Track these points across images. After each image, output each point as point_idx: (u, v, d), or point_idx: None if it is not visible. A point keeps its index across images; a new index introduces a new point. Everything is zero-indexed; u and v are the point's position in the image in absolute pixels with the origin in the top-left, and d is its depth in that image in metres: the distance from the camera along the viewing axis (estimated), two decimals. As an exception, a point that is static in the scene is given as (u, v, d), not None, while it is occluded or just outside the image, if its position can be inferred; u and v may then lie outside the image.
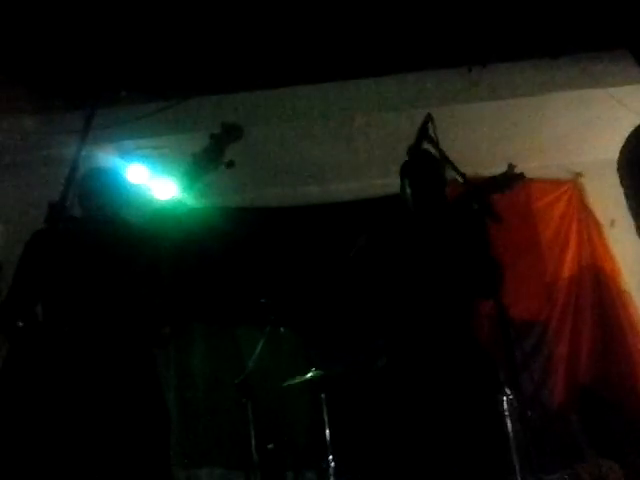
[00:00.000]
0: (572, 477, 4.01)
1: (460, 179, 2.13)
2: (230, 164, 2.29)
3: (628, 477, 3.96)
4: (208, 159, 2.29)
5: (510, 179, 2.58)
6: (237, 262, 4.45)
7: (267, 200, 4.13)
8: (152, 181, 2.92)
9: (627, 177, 1.13)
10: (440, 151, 2.24)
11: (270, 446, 4.07)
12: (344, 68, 3.70)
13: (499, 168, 4.58)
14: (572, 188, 4.94)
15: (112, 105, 2.56)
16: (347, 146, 4.34)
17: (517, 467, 3.37)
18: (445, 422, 2.57)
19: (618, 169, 1.18)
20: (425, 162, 2.66)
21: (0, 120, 3.54)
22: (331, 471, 3.48)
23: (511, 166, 2.60)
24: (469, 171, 2.24)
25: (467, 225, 2.67)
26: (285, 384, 3.85)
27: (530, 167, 4.90)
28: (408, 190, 2.74)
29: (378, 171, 4.46)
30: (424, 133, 2.30)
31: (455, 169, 2.16)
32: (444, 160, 2.21)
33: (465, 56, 3.43)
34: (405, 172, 2.79)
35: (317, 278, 4.20)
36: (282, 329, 3.67)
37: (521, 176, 2.60)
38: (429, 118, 2.31)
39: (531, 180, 4.92)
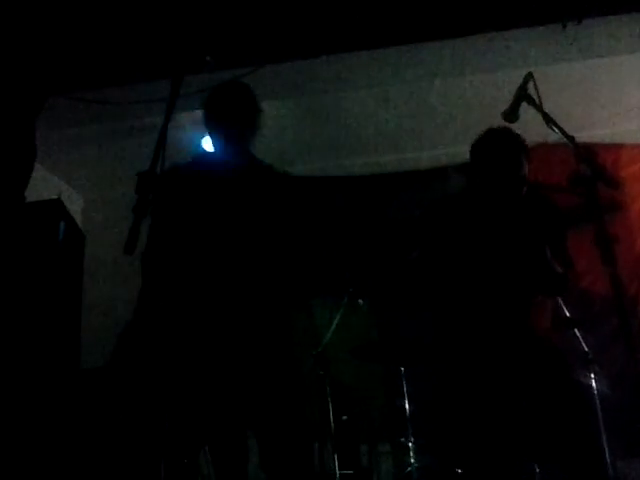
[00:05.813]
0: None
1: (569, 143, 1.95)
2: None
3: None
4: None
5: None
6: (314, 234, 4.38)
7: (344, 169, 4.04)
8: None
9: None
10: (543, 112, 2.07)
11: (344, 417, 4.03)
12: (423, 30, 3.52)
13: (588, 132, 4.32)
14: (665, 154, 4.62)
15: (195, 72, 2.51)
16: (425, 112, 4.18)
17: (606, 449, 3.23)
18: (525, 405, 2.46)
19: None
20: (504, 144, 2.33)
21: (83, 91, 3.55)
22: (411, 447, 3.39)
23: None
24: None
25: (541, 222, 2.45)
26: (360, 355, 3.79)
27: (618, 131, 4.65)
28: (479, 179, 2.38)
29: (456, 138, 4.28)
30: (523, 93, 2.14)
31: (562, 132, 1.98)
32: (549, 122, 2.03)
33: (559, 11, 3.18)
34: (478, 155, 2.41)
35: (391, 252, 4.09)
36: (360, 301, 3.58)
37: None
38: (530, 77, 2.14)
39: (619, 145, 4.65)
